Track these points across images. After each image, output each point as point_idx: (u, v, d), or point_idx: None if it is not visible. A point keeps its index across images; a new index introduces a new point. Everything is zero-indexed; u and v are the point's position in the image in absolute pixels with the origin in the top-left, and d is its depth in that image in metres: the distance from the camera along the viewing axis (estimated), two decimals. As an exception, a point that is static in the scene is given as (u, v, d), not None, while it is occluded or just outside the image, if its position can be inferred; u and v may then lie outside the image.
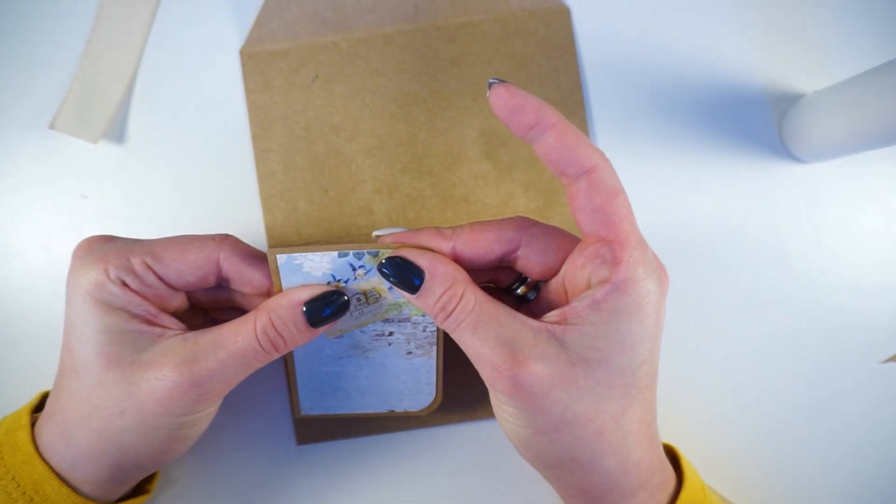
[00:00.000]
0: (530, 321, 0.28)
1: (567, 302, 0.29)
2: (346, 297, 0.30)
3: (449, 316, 0.28)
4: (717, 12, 0.40)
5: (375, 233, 0.31)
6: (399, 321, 0.31)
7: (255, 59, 0.39)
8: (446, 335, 0.31)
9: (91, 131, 0.39)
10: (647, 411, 0.29)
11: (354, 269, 0.29)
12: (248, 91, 0.39)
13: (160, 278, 0.29)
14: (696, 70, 0.40)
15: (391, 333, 0.32)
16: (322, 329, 0.30)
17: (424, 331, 0.32)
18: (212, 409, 0.30)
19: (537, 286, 0.32)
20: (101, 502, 0.30)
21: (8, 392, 0.38)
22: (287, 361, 0.33)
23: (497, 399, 0.29)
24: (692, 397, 0.39)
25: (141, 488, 0.34)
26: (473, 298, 0.28)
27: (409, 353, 0.33)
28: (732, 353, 0.39)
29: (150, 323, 0.29)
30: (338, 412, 0.35)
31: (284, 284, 0.30)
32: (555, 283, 0.30)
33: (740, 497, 0.38)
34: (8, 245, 0.39)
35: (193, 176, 0.39)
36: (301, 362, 0.33)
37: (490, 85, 0.27)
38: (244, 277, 0.30)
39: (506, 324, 0.27)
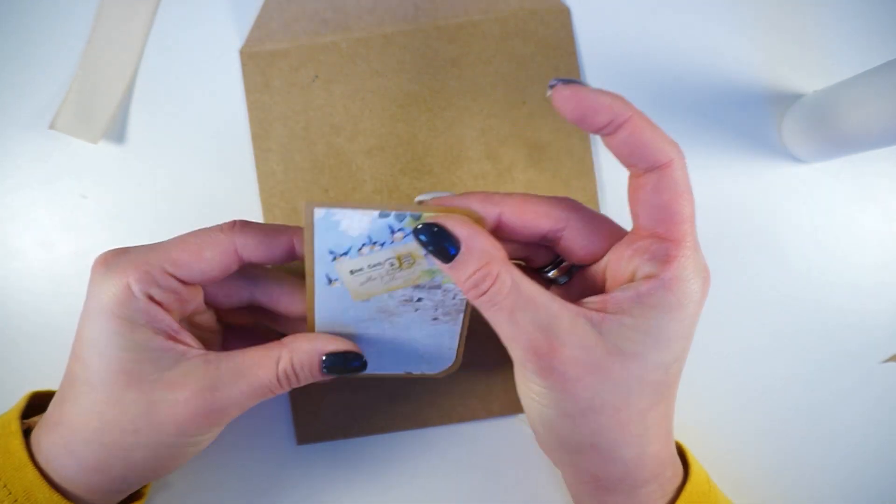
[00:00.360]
0: (568, 305, 0.27)
1: (603, 290, 0.29)
2: (364, 361, 0.31)
3: (482, 294, 0.27)
4: (717, 12, 0.40)
5: (419, 198, 0.30)
6: (430, 288, 0.30)
7: (255, 59, 0.39)
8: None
9: (91, 131, 0.39)
10: (670, 408, 0.29)
11: (393, 232, 0.28)
12: (248, 91, 0.39)
13: (182, 281, 0.29)
14: (696, 70, 0.40)
15: (419, 300, 0.31)
16: (333, 376, 0.31)
17: (454, 298, 0.31)
18: (219, 431, 0.31)
19: (570, 272, 0.31)
20: None
21: (8, 392, 0.38)
22: (308, 319, 0.32)
23: (525, 376, 0.28)
24: (692, 397, 0.39)
25: (136, 493, 0.34)
26: (510, 280, 0.26)
27: (435, 318, 0.32)
28: (732, 352, 0.39)
29: (172, 339, 0.29)
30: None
31: (317, 242, 0.28)
32: (593, 270, 0.30)
33: (740, 497, 0.38)
34: (8, 245, 0.39)
35: (193, 176, 0.39)
36: (322, 321, 0.32)
37: (551, 86, 0.26)
38: (266, 257, 0.30)
39: (543, 307, 0.27)
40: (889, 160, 0.40)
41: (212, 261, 0.29)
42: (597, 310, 0.27)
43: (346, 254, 0.29)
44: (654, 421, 0.28)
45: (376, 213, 0.27)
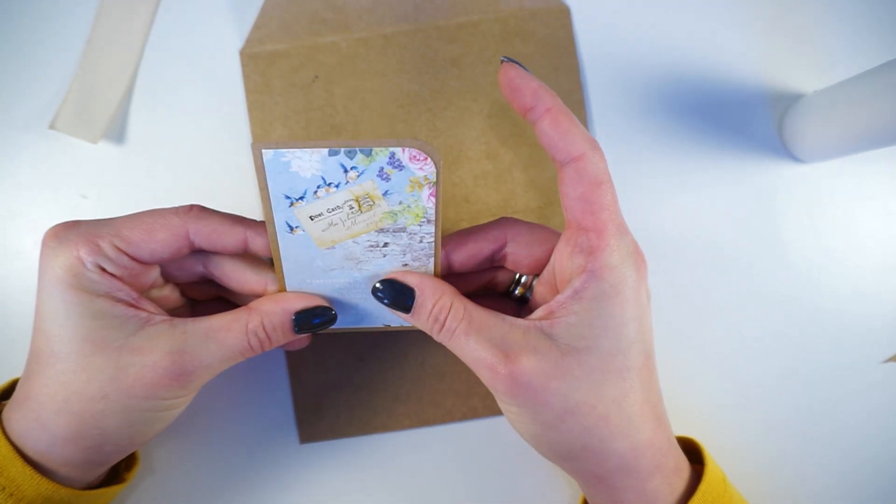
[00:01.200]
0: (518, 321, 0.29)
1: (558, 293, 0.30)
2: (334, 314, 0.31)
3: (443, 326, 0.29)
4: (717, 12, 0.40)
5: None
6: (394, 231, 0.29)
7: (254, 60, 0.39)
8: (443, 246, 0.31)
9: (91, 131, 0.39)
10: (650, 392, 0.29)
11: (346, 171, 0.27)
12: (248, 91, 0.39)
13: (133, 258, 0.29)
14: (696, 70, 0.40)
15: (386, 244, 0.30)
16: (305, 334, 0.31)
17: (421, 241, 0.30)
18: (192, 395, 0.31)
19: (532, 286, 0.33)
20: (71, 486, 0.30)
21: (9, 392, 0.38)
22: (277, 271, 0.31)
23: (500, 401, 0.29)
24: (692, 397, 0.39)
25: (118, 476, 0.34)
26: (462, 308, 0.29)
27: (405, 265, 0.31)
28: (732, 352, 0.39)
29: (135, 307, 0.29)
30: (331, 327, 0.33)
31: (271, 186, 0.28)
32: (546, 278, 0.31)
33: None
34: (8, 245, 0.39)
35: (193, 176, 0.39)
36: (291, 275, 0.31)
37: (501, 62, 0.28)
38: (217, 247, 0.30)
39: (495, 326, 0.28)
40: (889, 160, 0.40)
41: (162, 242, 0.29)
42: (544, 317, 0.28)
43: (302, 198, 0.28)
44: (634, 408, 0.28)
45: (325, 150, 0.27)
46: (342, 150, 0.27)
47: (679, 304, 0.39)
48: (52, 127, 0.39)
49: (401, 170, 0.27)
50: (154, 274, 0.31)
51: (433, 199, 0.28)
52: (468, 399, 0.38)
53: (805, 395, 0.39)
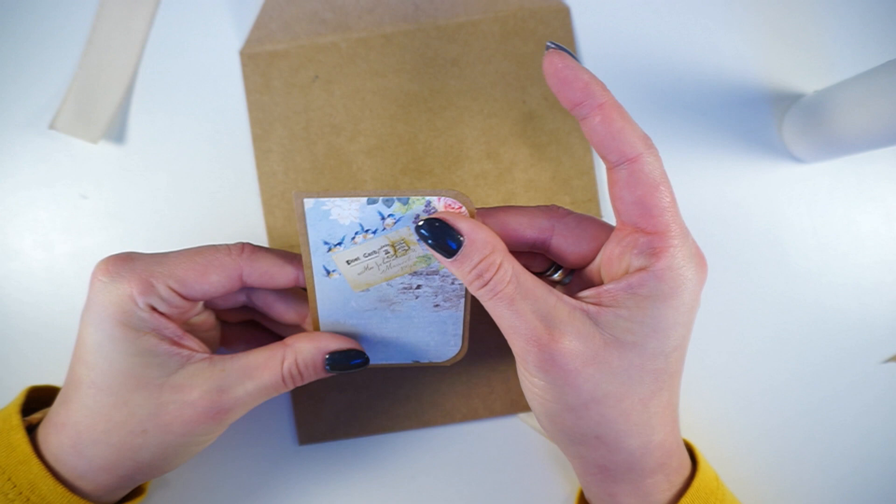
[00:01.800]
0: (566, 298, 0.27)
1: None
2: (366, 358, 0.31)
3: (485, 285, 0.27)
4: (717, 12, 0.40)
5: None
6: (427, 274, 0.30)
7: (255, 60, 0.39)
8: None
9: (91, 131, 0.39)
10: (673, 395, 0.29)
11: (383, 219, 0.28)
12: (249, 92, 0.39)
13: (184, 298, 0.30)
14: (696, 70, 0.40)
15: (419, 287, 0.31)
16: (336, 373, 0.32)
17: (453, 283, 0.31)
18: (224, 429, 0.32)
19: (571, 272, 0.32)
20: (99, 502, 0.30)
21: (8, 391, 0.38)
22: (311, 312, 0.32)
23: (527, 372, 0.28)
24: (692, 397, 0.39)
25: (137, 488, 0.34)
26: (511, 269, 0.27)
27: (437, 305, 0.32)
28: (732, 352, 0.39)
29: (177, 345, 0.29)
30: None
31: (311, 233, 0.29)
32: (589, 270, 0.30)
33: (741, 496, 0.38)
34: (8, 245, 0.39)
35: (193, 176, 0.39)
36: (326, 315, 0.32)
37: (547, 48, 0.27)
38: (269, 286, 0.31)
39: (542, 298, 0.27)
40: (889, 160, 0.40)
41: (216, 284, 0.30)
42: (593, 303, 0.27)
43: (340, 244, 0.29)
44: (657, 409, 0.28)
45: (364, 199, 0.28)
46: (380, 199, 0.28)
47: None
48: (52, 127, 0.38)
49: None
50: (199, 307, 0.32)
51: None
52: (468, 400, 0.38)
53: (805, 395, 0.39)
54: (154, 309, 0.29)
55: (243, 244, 0.31)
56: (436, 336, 0.33)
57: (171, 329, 0.29)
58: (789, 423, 0.39)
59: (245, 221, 0.39)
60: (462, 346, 0.34)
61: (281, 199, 0.39)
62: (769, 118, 0.40)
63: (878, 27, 0.40)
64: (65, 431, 0.30)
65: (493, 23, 0.40)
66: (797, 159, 0.40)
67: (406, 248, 0.29)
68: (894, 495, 0.39)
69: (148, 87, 0.40)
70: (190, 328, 0.32)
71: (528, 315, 0.27)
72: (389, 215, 0.28)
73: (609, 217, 0.39)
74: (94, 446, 0.29)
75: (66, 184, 0.39)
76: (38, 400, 0.33)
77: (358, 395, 0.38)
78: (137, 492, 0.34)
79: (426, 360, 0.34)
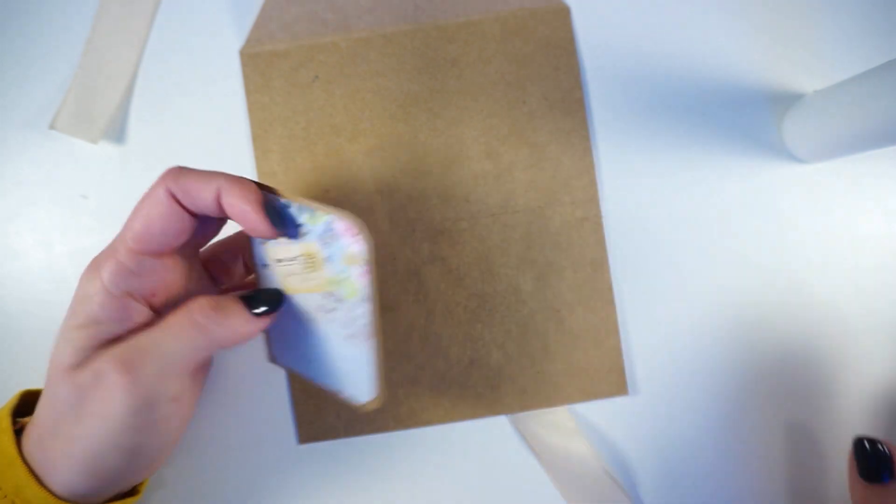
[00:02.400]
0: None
1: None
2: (281, 294, 0.31)
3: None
4: (717, 12, 0.40)
5: None
6: (336, 300, 0.29)
7: (255, 60, 0.39)
8: (383, 330, 0.30)
9: (91, 131, 0.39)
10: None
11: (297, 226, 0.29)
12: (248, 91, 0.39)
13: (153, 254, 0.29)
14: (697, 69, 0.40)
15: (333, 310, 0.29)
16: (263, 320, 0.30)
17: (356, 320, 0.29)
18: (169, 407, 0.30)
19: None
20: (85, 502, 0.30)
21: (8, 391, 0.38)
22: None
23: None
24: (692, 396, 0.39)
25: (132, 489, 0.34)
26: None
27: (349, 336, 0.29)
28: (732, 352, 0.39)
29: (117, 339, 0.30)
30: (298, 370, 0.33)
31: None
32: None
33: (742, 498, 0.38)
34: (8, 245, 0.39)
35: (193, 176, 0.39)
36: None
37: None
38: (196, 202, 0.29)
39: None
40: (889, 160, 0.40)
41: (160, 218, 0.29)
42: None
43: (269, 240, 0.30)
44: None
45: (284, 201, 0.28)
46: (294, 204, 0.28)
47: (679, 304, 0.39)
48: (52, 127, 0.38)
49: (336, 240, 0.28)
50: (177, 269, 0.31)
51: (365, 280, 0.28)
52: (468, 400, 0.38)
53: (805, 395, 0.39)
54: (129, 294, 0.29)
55: (169, 168, 0.29)
56: (350, 372, 0.30)
57: (133, 320, 0.29)
58: (789, 422, 0.39)
59: (245, 221, 0.39)
60: (376, 395, 0.30)
61: (281, 199, 0.39)
62: (769, 118, 0.40)
63: (877, 27, 0.40)
64: (33, 426, 0.30)
65: (493, 23, 0.40)
66: (797, 159, 0.40)
67: (315, 264, 0.29)
68: None
69: (148, 87, 0.40)
70: (171, 300, 0.31)
71: None
72: (300, 224, 0.28)
73: (608, 217, 0.39)
74: (51, 439, 0.29)
75: (66, 184, 0.39)
76: (34, 403, 0.33)
77: (358, 395, 0.38)
78: (132, 492, 0.34)
79: (345, 396, 0.31)
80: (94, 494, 0.31)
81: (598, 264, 0.39)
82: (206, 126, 0.39)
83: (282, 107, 0.39)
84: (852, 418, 0.39)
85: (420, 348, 0.38)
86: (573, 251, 0.39)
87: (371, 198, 0.39)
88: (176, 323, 0.29)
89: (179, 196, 0.29)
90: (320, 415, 0.38)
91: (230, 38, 0.40)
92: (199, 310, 0.29)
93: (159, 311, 0.31)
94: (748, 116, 0.40)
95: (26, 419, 0.32)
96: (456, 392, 0.38)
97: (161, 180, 0.29)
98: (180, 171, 0.29)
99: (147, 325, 0.30)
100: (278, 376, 0.38)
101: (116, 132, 0.39)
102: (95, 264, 0.30)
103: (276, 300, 0.31)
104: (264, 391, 0.38)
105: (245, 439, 0.38)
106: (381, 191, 0.39)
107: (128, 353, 0.28)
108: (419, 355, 0.38)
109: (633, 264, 0.39)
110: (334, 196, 0.39)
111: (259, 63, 0.39)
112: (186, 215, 0.29)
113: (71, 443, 0.29)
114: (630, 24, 0.40)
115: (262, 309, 0.30)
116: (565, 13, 0.40)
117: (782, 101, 0.40)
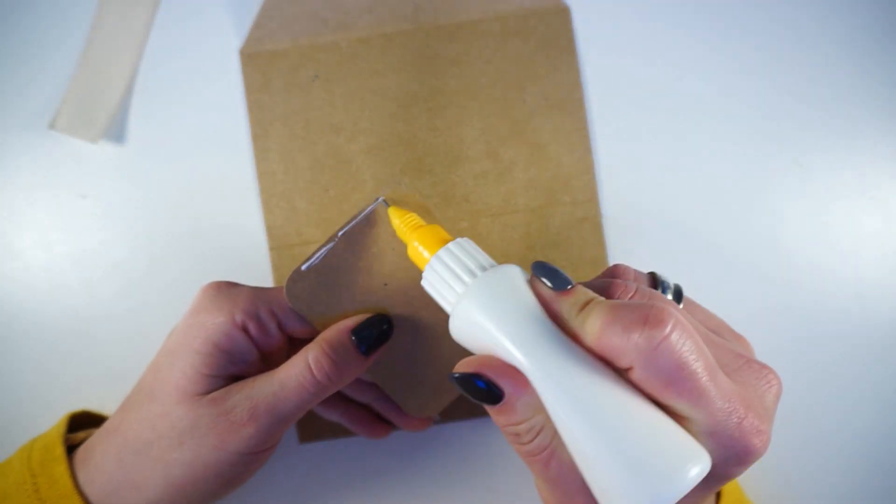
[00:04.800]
0: None
1: None
2: (391, 322, 0.31)
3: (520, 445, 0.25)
4: (717, 12, 0.40)
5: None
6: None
7: (255, 59, 0.39)
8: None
9: (91, 131, 0.39)
10: None
11: None
12: (248, 91, 0.39)
13: (281, 328, 0.30)
14: (696, 69, 0.40)
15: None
16: (373, 356, 0.30)
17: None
18: (266, 454, 0.31)
19: None
20: None
21: (8, 392, 0.38)
22: None
23: None
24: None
25: None
26: (550, 437, 0.24)
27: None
28: (732, 352, 0.39)
29: (242, 372, 0.30)
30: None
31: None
32: None
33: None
34: (8, 245, 0.39)
35: (193, 176, 0.39)
36: None
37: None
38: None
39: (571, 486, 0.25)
40: (889, 160, 0.40)
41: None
42: None
43: None
44: None
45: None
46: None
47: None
48: (52, 127, 0.38)
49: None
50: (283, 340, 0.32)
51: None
52: (466, 400, 0.38)
53: (805, 396, 0.39)
54: (247, 332, 0.29)
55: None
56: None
57: (251, 357, 0.30)
58: (789, 422, 0.39)
59: (244, 221, 0.39)
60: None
61: (280, 199, 0.39)
62: (769, 117, 0.40)
63: (879, 27, 0.40)
64: (112, 439, 0.30)
65: (493, 22, 0.40)
66: (797, 159, 0.40)
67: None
68: (894, 495, 0.39)
69: (148, 87, 0.40)
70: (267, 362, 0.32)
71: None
72: None
73: (608, 217, 0.39)
74: (135, 457, 0.29)
75: (66, 184, 0.39)
76: (80, 425, 0.34)
77: (358, 395, 0.38)
78: None
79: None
80: None
81: (598, 264, 0.39)
82: (206, 126, 0.39)
83: (282, 106, 0.39)
84: (852, 418, 0.39)
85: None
86: (573, 251, 0.39)
87: (371, 197, 0.39)
88: (297, 364, 0.29)
89: None
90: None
91: (230, 38, 0.40)
92: (319, 355, 0.29)
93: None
94: (748, 116, 0.40)
95: (78, 435, 0.32)
96: (456, 392, 0.38)
97: None
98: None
99: (251, 372, 0.30)
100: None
101: (116, 132, 0.39)
102: (229, 297, 0.30)
103: (388, 332, 0.31)
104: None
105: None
106: (380, 191, 0.39)
107: (256, 402, 0.29)
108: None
109: (633, 264, 0.39)
110: (334, 195, 0.39)
111: (259, 62, 0.39)
112: None
113: (161, 465, 0.29)
114: (630, 24, 0.40)
115: (373, 340, 0.30)
116: (565, 13, 0.40)
117: (783, 101, 0.40)
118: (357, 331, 0.30)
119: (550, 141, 0.39)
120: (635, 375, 0.22)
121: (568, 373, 0.23)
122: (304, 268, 0.30)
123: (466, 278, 0.25)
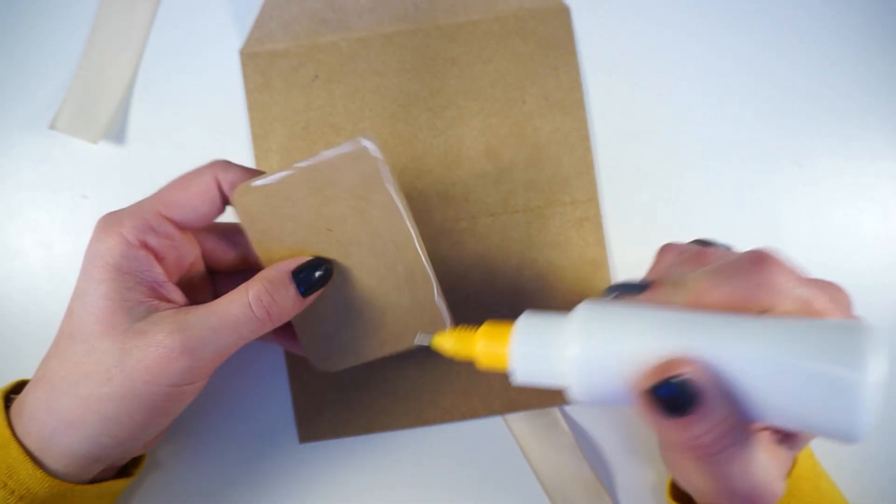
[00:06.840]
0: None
1: None
2: (330, 267, 0.31)
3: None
4: (717, 12, 0.40)
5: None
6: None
7: (255, 60, 0.39)
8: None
9: (91, 131, 0.39)
10: None
11: None
12: (248, 91, 0.39)
13: (175, 223, 0.30)
14: (696, 69, 0.40)
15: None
16: (311, 297, 0.31)
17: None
18: (198, 385, 0.30)
19: None
20: (76, 482, 0.30)
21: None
22: None
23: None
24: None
25: (125, 471, 0.34)
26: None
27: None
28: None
29: (154, 292, 0.29)
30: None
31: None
32: None
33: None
34: (8, 245, 0.39)
35: (193, 176, 0.39)
36: None
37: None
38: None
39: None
40: (889, 160, 0.40)
41: (198, 194, 0.30)
42: None
43: None
44: None
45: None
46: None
47: (679, 304, 0.39)
48: (52, 127, 0.39)
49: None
50: (195, 251, 0.32)
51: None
52: (468, 398, 0.38)
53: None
54: (146, 245, 0.29)
55: (215, 159, 0.31)
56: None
57: (153, 273, 0.29)
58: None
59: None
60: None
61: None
62: (769, 117, 0.40)
63: (879, 27, 0.40)
64: (41, 386, 0.29)
65: (493, 22, 0.40)
66: (796, 159, 0.40)
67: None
68: (894, 495, 0.39)
69: (148, 87, 0.40)
70: (182, 280, 0.32)
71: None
72: None
73: (608, 218, 0.39)
74: (64, 398, 0.29)
75: (66, 184, 0.39)
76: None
77: (358, 394, 0.38)
78: (124, 473, 0.33)
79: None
80: (94, 462, 0.30)
81: (598, 264, 0.39)
82: (206, 126, 0.39)
83: (282, 106, 0.39)
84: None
85: (420, 348, 0.38)
86: (573, 251, 0.39)
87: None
88: (236, 300, 0.29)
89: (224, 186, 0.30)
90: (321, 414, 0.38)
91: (230, 38, 0.40)
92: (260, 292, 0.29)
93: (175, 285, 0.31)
94: (749, 116, 0.40)
95: (14, 396, 0.32)
96: (455, 391, 0.38)
97: (210, 166, 0.31)
98: (229, 165, 0.31)
99: (164, 293, 0.30)
100: (280, 375, 0.38)
101: (116, 132, 0.39)
102: (114, 220, 0.29)
103: (328, 273, 0.31)
104: (265, 390, 0.38)
105: (246, 438, 0.38)
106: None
107: (191, 334, 0.28)
108: (419, 355, 0.38)
109: (633, 264, 0.39)
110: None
111: (259, 63, 0.39)
112: (218, 203, 0.31)
113: (93, 401, 0.28)
114: (630, 24, 0.40)
115: (313, 282, 0.31)
116: (565, 13, 0.40)
117: (783, 101, 0.40)
118: (297, 272, 0.30)
119: (550, 141, 0.39)
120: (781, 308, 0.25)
121: (741, 332, 0.24)
122: (254, 184, 0.30)
123: (568, 332, 0.25)
